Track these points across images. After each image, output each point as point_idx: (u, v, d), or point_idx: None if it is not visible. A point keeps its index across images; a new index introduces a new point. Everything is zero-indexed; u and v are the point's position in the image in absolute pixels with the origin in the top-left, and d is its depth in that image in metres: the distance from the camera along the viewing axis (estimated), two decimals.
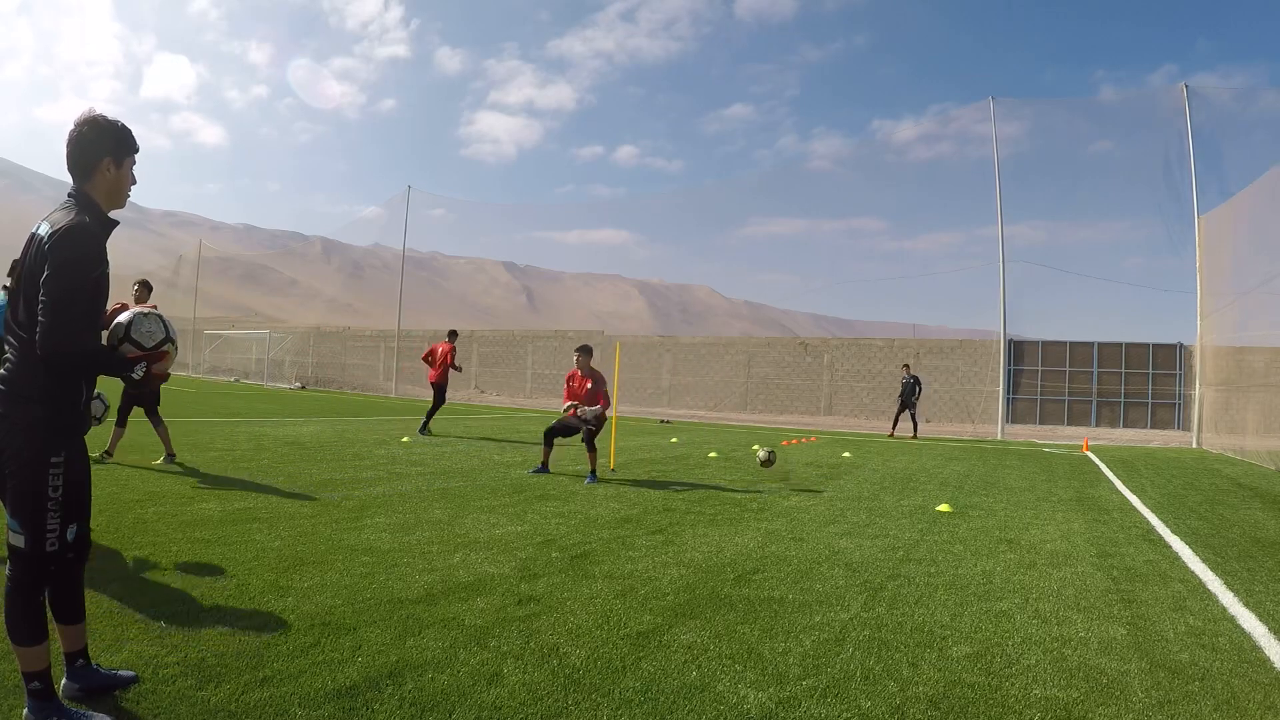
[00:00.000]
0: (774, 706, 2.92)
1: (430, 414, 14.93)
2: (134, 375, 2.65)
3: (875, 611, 4.20)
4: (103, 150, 2.61)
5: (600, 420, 9.43)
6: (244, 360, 46.83)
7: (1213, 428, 19.13)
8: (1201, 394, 19.82)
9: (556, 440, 9.69)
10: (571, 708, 2.84)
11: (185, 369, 49.62)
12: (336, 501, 6.80)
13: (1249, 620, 4.27)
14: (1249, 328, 16.63)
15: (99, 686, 2.77)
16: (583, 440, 9.31)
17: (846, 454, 13.88)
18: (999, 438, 21.13)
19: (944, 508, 7.79)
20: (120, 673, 2.85)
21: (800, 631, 3.82)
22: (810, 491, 8.85)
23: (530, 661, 3.26)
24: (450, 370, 14.81)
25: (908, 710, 2.94)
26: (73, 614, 2.77)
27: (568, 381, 9.58)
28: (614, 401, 12.65)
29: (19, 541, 2.50)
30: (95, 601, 3.63)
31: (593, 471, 9.16)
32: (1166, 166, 21.55)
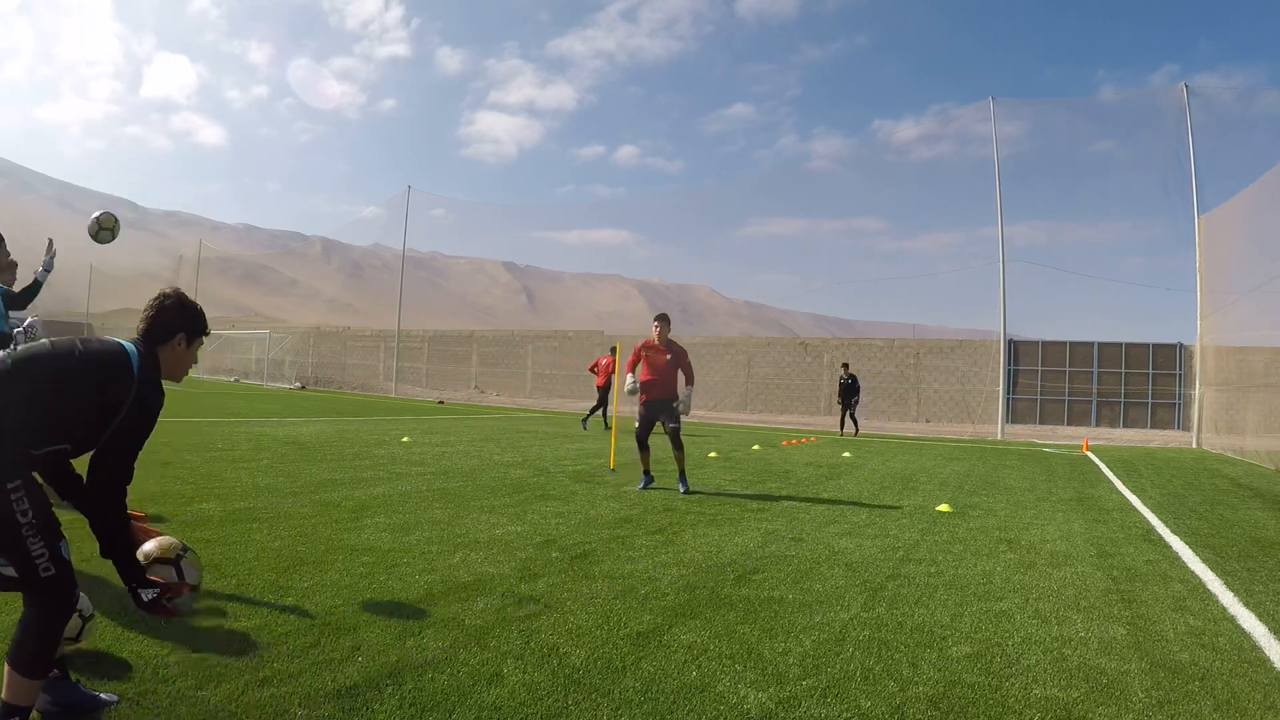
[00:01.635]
0: (774, 706, 2.92)
1: (592, 411, 18.24)
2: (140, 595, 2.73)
3: (875, 611, 4.20)
4: (178, 328, 2.86)
5: (671, 390, 8.38)
6: (244, 360, 46.83)
7: (1213, 428, 19.13)
8: (1201, 394, 19.82)
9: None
10: (571, 708, 2.84)
11: None
12: (336, 501, 6.80)
13: (1249, 620, 4.27)
14: (1249, 328, 16.64)
15: (76, 704, 2.63)
16: (668, 434, 8.40)
17: (846, 454, 13.88)
18: (999, 438, 21.13)
19: (944, 508, 7.80)
20: (100, 695, 2.70)
21: (800, 631, 3.82)
22: (810, 491, 8.85)
23: (530, 661, 3.26)
24: (612, 377, 17.72)
25: (908, 710, 2.94)
26: None
27: (639, 351, 8.44)
28: (614, 401, 12.65)
29: (10, 572, 2.46)
30: (95, 602, 3.62)
31: (683, 475, 8.36)
32: (1167, 166, 21.56)
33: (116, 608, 3.66)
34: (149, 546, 3.08)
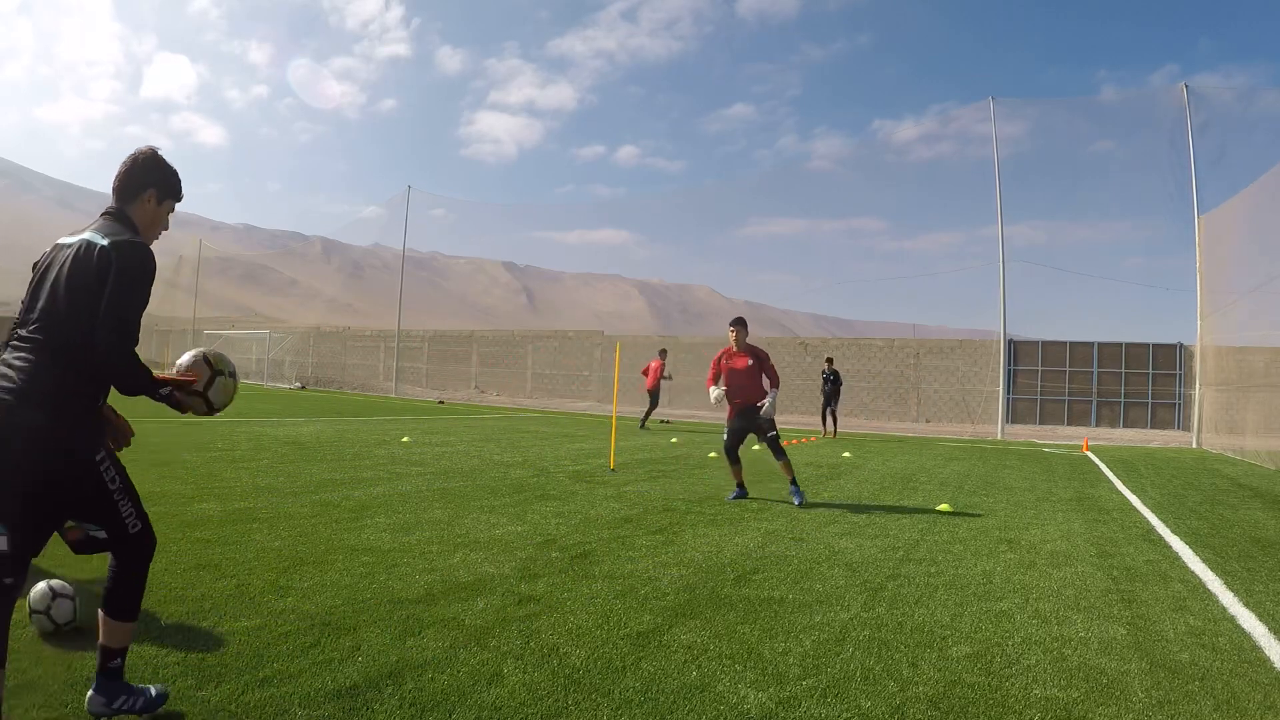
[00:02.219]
0: (774, 706, 2.92)
1: (647, 414, 19.09)
2: (160, 394, 2.62)
3: (875, 611, 4.20)
4: (149, 183, 2.72)
5: (760, 396, 7.84)
6: (244, 360, 46.83)
7: (1213, 428, 19.13)
8: (1201, 394, 19.82)
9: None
10: (571, 708, 2.84)
11: None
12: (336, 501, 6.80)
13: (1249, 620, 4.27)
14: (1249, 328, 16.63)
15: (144, 702, 2.65)
16: (766, 443, 7.92)
17: (846, 454, 13.88)
18: (999, 438, 21.13)
19: (944, 508, 7.80)
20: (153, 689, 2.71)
21: (800, 631, 3.82)
22: (810, 491, 8.85)
23: (530, 661, 3.26)
24: (662, 380, 19.16)
25: (908, 710, 2.94)
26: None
27: (716, 363, 7.96)
28: (614, 402, 12.64)
29: (100, 534, 2.59)
30: (94, 602, 3.62)
31: (794, 483, 7.81)
32: (1167, 166, 21.55)
33: None
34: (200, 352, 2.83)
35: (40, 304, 2.50)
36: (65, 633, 3.27)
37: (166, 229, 2.83)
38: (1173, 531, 6.99)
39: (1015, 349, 26.18)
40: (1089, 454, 15.79)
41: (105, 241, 2.50)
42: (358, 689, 2.90)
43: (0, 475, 2.36)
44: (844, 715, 2.88)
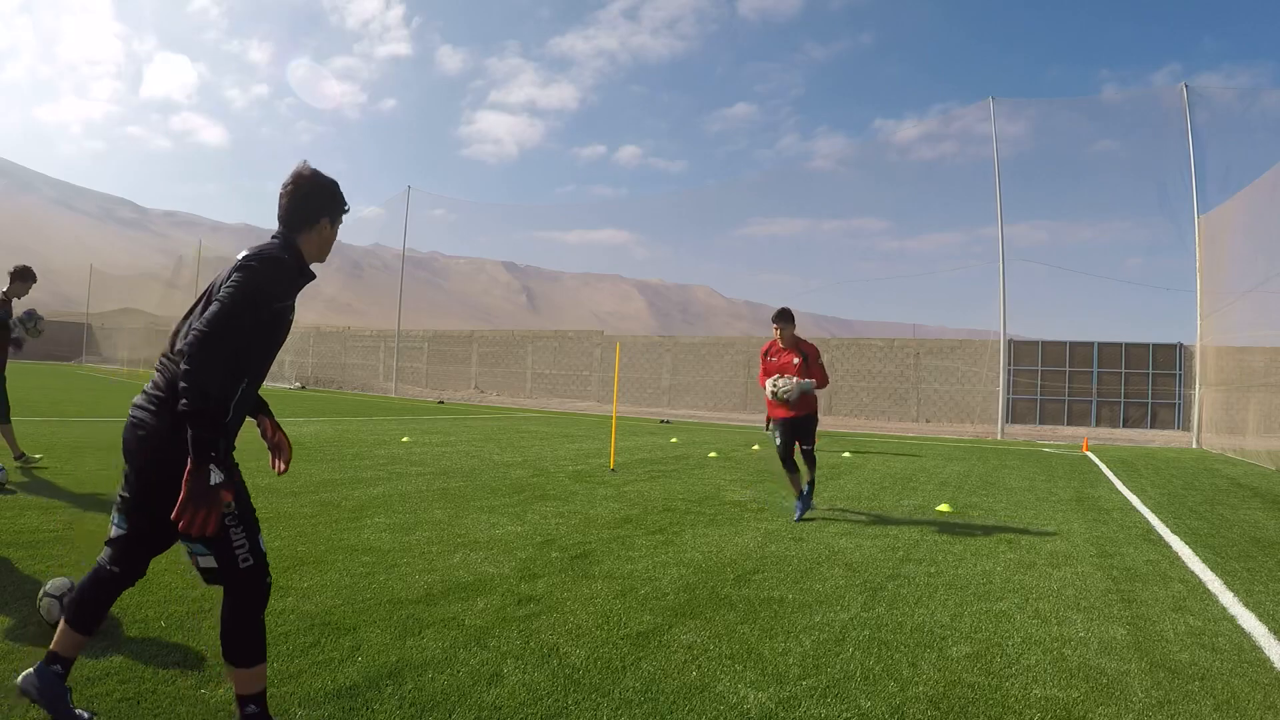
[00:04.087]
0: (774, 706, 2.92)
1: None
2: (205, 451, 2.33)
3: (875, 611, 4.20)
4: (324, 210, 2.63)
5: (812, 406, 7.17)
6: None
7: (1213, 428, 19.12)
8: (1201, 394, 19.81)
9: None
10: (571, 708, 2.84)
11: None
12: (336, 501, 6.80)
13: (1249, 620, 4.27)
14: (1249, 328, 16.62)
15: (53, 702, 2.45)
16: (802, 455, 7.23)
17: (846, 454, 13.88)
18: (999, 438, 21.13)
19: (944, 508, 7.79)
20: (80, 713, 2.52)
21: (800, 631, 3.82)
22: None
23: (530, 661, 3.26)
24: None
25: (908, 710, 2.94)
26: (88, 624, 2.54)
27: (764, 358, 7.35)
28: (614, 402, 12.64)
29: (210, 563, 2.40)
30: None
31: (806, 493, 7.11)
32: (1167, 166, 21.55)
33: (116, 608, 3.66)
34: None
35: (189, 319, 2.51)
36: None
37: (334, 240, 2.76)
38: (1173, 531, 6.99)
39: (1015, 349, 26.18)
40: (1089, 454, 15.79)
41: (240, 256, 2.47)
42: (358, 689, 2.90)
43: (129, 474, 2.46)
44: (844, 715, 2.88)
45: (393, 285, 39.10)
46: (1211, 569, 5.50)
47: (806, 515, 7.03)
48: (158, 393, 2.43)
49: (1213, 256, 19.56)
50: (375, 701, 2.80)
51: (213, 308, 2.32)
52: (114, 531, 2.54)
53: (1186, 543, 6.46)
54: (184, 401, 2.22)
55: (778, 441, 7.21)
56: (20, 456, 7.68)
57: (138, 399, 2.47)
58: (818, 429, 7.55)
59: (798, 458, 7.25)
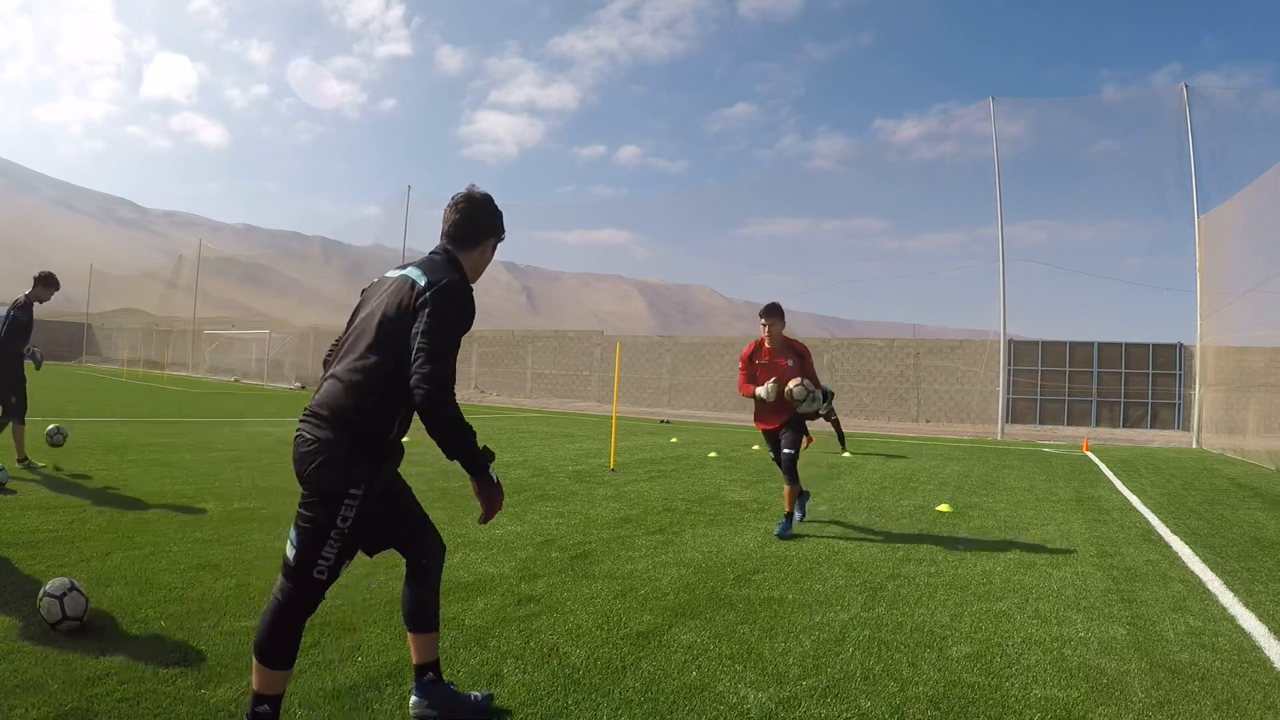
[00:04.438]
0: (774, 706, 2.92)
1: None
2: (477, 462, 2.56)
3: (875, 611, 4.20)
4: (491, 232, 2.74)
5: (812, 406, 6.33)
6: (244, 360, 46.83)
7: (1213, 428, 19.12)
8: (1201, 394, 19.81)
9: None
10: (571, 708, 2.84)
11: (185, 369, 49.63)
12: None
13: (1249, 620, 4.27)
14: (1249, 328, 16.62)
15: (450, 706, 2.68)
16: (782, 465, 6.48)
17: (846, 454, 13.88)
18: (999, 438, 21.13)
19: (944, 508, 7.79)
20: (474, 695, 2.79)
21: (800, 631, 3.82)
22: (810, 491, 8.84)
23: (530, 661, 3.26)
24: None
25: (908, 710, 2.94)
26: (425, 622, 2.73)
27: (747, 363, 6.47)
28: (614, 402, 12.64)
29: (290, 554, 2.45)
30: (95, 602, 3.63)
31: (788, 513, 6.37)
32: (1167, 166, 21.55)
33: (117, 608, 3.66)
34: None
35: (351, 333, 2.58)
36: (67, 629, 3.26)
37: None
38: (1173, 531, 6.98)
39: (1015, 349, 26.18)
40: (1089, 454, 15.79)
41: (424, 280, 2.50)
42: (358, 689, 2.90)
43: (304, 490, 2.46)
44: (844, 715, 2.88)
45: None
46: (1211, 569, 5.50)
47: (791, 532, 6.31)
48: (326, 412, 2.45)
49: (1213, 256, 19.56)
50: (375, 701, 2.80)
51: (429, 339, 2.40)
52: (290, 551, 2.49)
53: (1186, 543, 6.46)
54: (446, 449, 2.43)
55: (771, 454, 6.70)
56: (23, 460, 7.68)
57: (306, 421, 2.48)
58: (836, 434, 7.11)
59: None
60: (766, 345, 6.41)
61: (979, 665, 3.44)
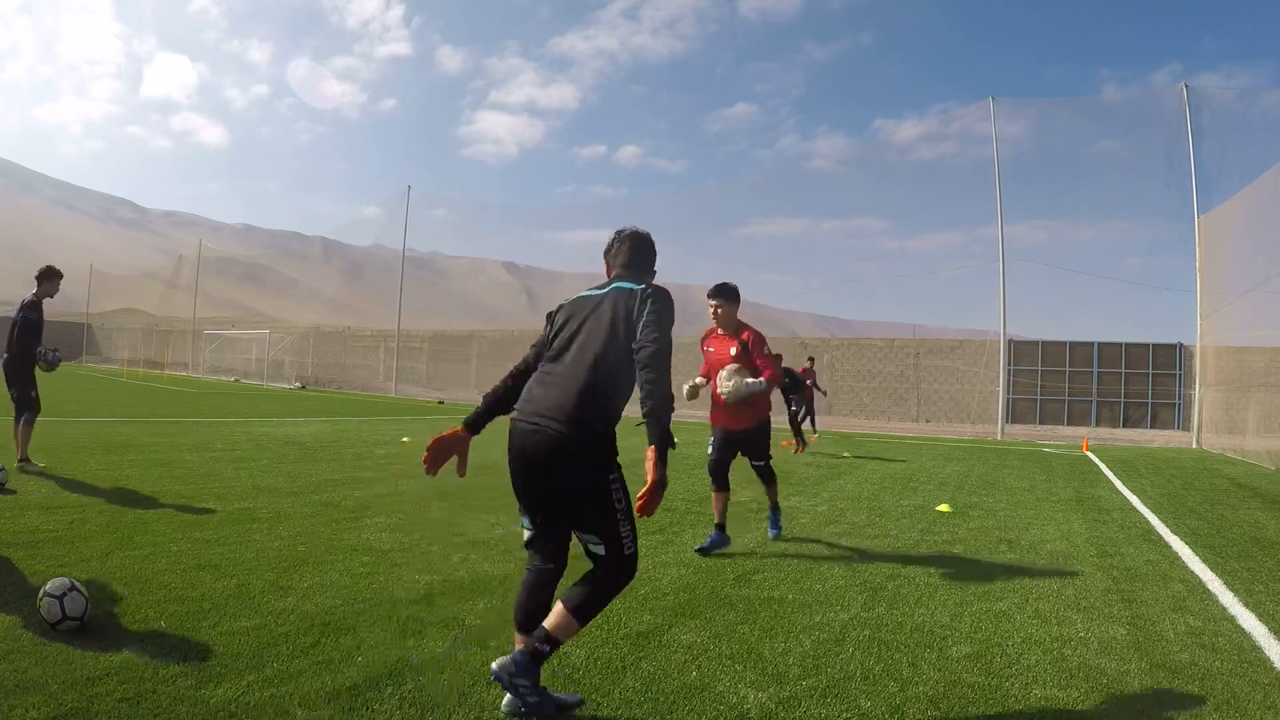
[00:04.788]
0: (774, 706, 2.92)
1: (802, 422, 17.68)
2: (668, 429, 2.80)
3: (875, 611, 4.20)
4: (654, 264, 3.22)
5: (762, 415, 5.82)
6: (244, 360, 46.84)
7: (1213, 428, 19.12)
8: (1201, 394, 19.81)
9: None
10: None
11: (185, 369, 49.63)
12: (336, 501, 6.80)
13: (1249, 620, 4.27)
14: (1249, 328, 16.62)
15: (540, 703, 2.73)
16: (755, 471, 6.05)
17: (846, 454, 13.88)
18: (999, 438, 21.13)
19: (944, 508, 7.79)
20: (564, 696, 2.87)
21: (800, 631, 3.82)
22: (810, 491, 8.85)
23: None
24: (815, 389, 17.31)
25: (908, 710, 2.94)
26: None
27: (703, 348, 5.91)
28: None
29: (600, 550, 2.84)
30: (95, 601, 3.62)
31: (772, 517, 6.15)
32: (1167, 166, 21.54)
33: (117, 607, 3.66)
34: None
35: (573, 342, 2.87)
36: (67, 629, 3.26)
37: None
38: (1172, 531, 6.99)
39: (1015, 349, 26.18)
40: (1089, 454, 15.79)
41: (639, 285, 2.92)
42: (358, 689, 2.90)
43: (532, 480, 2.83)
44: (844, 715, 2.88)
45: (393, 285, 39.07)
46: (1211, 569, 5.50)
47: (776, 540, 5.94)
48: (570, 408, 2.74)
49: (1213, 256, 19.56)
50: (375, 701, 2.80)
51: (654, 330, 2.77)
52: (526, 534, 2.97)
53: (1186, 543, 6.46)
54: (652, 406, 2.70)
55: (710, 453, 5.89)
56: (23, 460, 7.67)
57: (539, 414, 2.77)
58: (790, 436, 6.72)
59: (743, 476, 6.04)
60: (717, 330, 5.81)
61: (979, 665, 3.44)
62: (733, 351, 5.65)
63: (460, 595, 4.16)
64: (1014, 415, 25.34)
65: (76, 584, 3.34)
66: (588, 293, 3.03)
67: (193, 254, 59.81)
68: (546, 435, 2.72)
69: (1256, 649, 3.79)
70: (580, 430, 2.72)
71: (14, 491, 6.41)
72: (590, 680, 3.09)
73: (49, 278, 7.90)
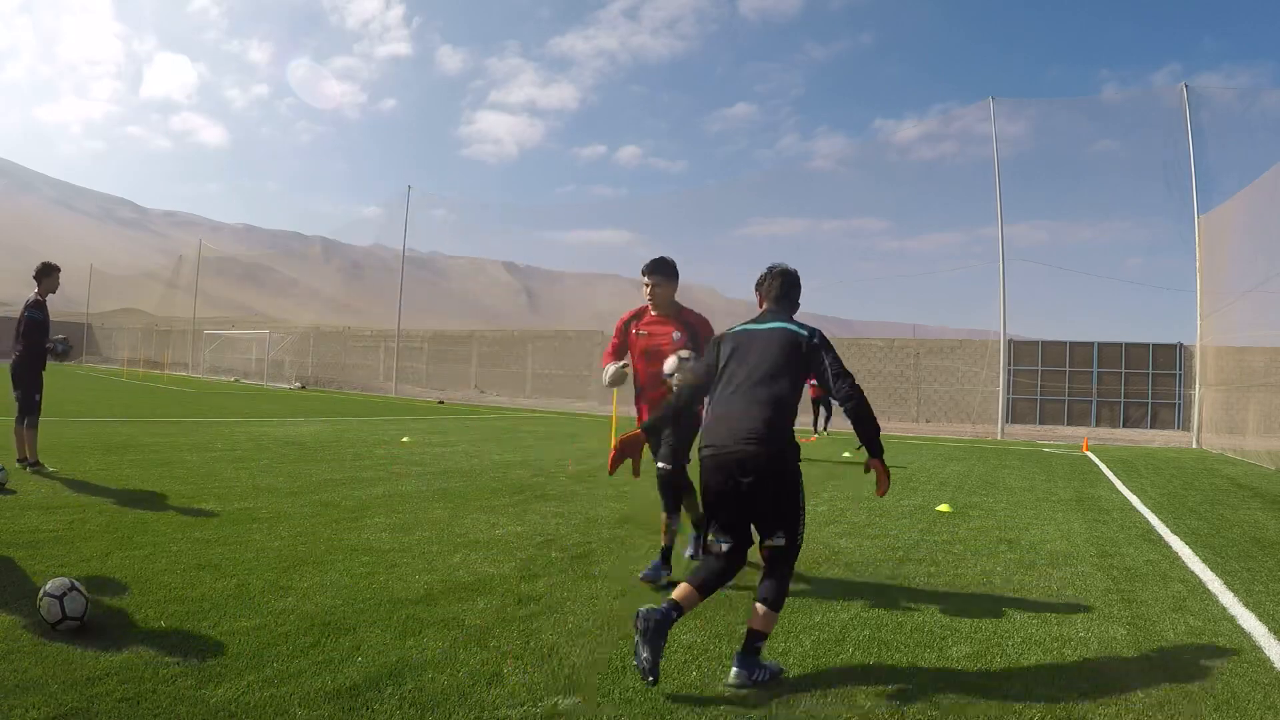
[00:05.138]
0: (774, 706, 2.92)
1: (817, 423, 18.30)
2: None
3: (875, 611, 4.20)
4: (799, 298, 3.75)
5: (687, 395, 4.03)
6: (244, 360, 46.84)
7: (1213, 428, 19.12)
8: (1201, 394, 19.80)
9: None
10: (572, 707, 2.84)
11: (185, 369, 49.63)
12: (336, 501, 6.80)
13: (1249, 620, 4.27)
14: (1249, 328, 16.62)
15: (769, 674, 3.14)
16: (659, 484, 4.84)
17: (846, 454, 13.88)
18: (999, 438, 21.13)
19: (944, 508, 7.79)
20: (773, 665, 3.23)
21: (800, 631, 3.82)
22: (810, 491, 8.84)
23: (530, 661, 3.26)
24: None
25: (908, 710, 2.94)
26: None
27: (620, 329, 5.11)
28: (614, 402, 12.63)
29: (781, 544, 3.29)
30: (95, 602, 3.62)
31: (695, 525, 4.95)
32: (1167, 166, 21.54)
33: (117, 607, 3.66)
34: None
35: (759, 369, 3.36)
36: (67, 629, 3.26)
37: None
38: (1173, 531, 6.99)
39: (1015, 349, 26.18)
40: (1089, 454, 15.79)
41: (805, 331, 3.45)
42: (358, 689, 2.90)
43: (746, 499, 3.27)
44: (844, 715, 2.88)
45: (393, 285, 39.08)
46: (1211, 569, 5.50)
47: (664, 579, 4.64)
48: (763, 428, 3.24)
49: (1213, 256, 19.56)
50: (375, 701, 2.80)
51: (837, 365, 3.43)
52: (725, 549, 3.34)
53: (1186, 543, 6.46)
54: (868, 428, 3.48)
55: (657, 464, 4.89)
56: (23, 460, 7.66)
57: (742, 441, 3.24)
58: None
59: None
60: (651, 311, 4.98)
61: (979, 665, 3.44)
62: (676, 336, 4.84)
63: (460, 595, 4.16)
64: (1014, 415, 25.34)
65: (77, 584, 3.34)
66: (750, 326, 3.52)
67: (193, 254, 59.82)
68: (755, 457, 3.20)
69: (1256, 649, 3.79)
70: (778, 448, 3.25)
71: (14, 491, 6.41)
72: (590, 680, 3.09)
73: (47, 273, 7.88)
